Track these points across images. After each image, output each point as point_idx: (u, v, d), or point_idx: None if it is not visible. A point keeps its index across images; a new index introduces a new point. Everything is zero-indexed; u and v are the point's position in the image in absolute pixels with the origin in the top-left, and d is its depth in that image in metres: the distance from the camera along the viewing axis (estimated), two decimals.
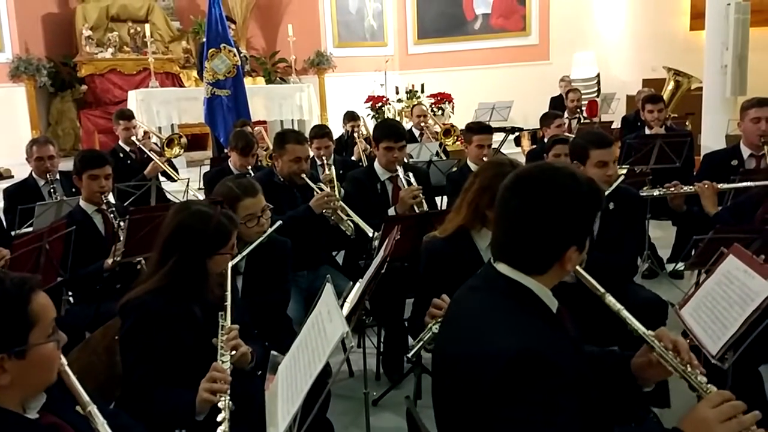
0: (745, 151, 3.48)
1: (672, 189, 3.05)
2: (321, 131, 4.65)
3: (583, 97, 7.70)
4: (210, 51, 6.09)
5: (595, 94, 9.35)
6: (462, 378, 1.27)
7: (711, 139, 6.16)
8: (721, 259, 1.85)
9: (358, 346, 2.91)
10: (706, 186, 2.90)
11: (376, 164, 3.49)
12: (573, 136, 4.99)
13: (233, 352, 1.74)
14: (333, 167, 4.09)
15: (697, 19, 8.46)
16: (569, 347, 1.31)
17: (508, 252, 1.33)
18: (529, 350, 1.19)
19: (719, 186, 2.91)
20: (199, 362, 1.71)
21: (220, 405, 1.57)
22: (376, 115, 9.28)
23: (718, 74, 6.27)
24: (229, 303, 1.85)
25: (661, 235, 4.55)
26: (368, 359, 3.11)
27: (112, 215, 3.08)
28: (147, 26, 8.05)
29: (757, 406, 2.19)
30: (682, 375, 1.32)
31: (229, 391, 1.61)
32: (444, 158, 5.35)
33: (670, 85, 7.32)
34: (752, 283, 1.67)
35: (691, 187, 2.98)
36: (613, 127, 6.80)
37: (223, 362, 1.69)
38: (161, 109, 7.13)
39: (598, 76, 9.83)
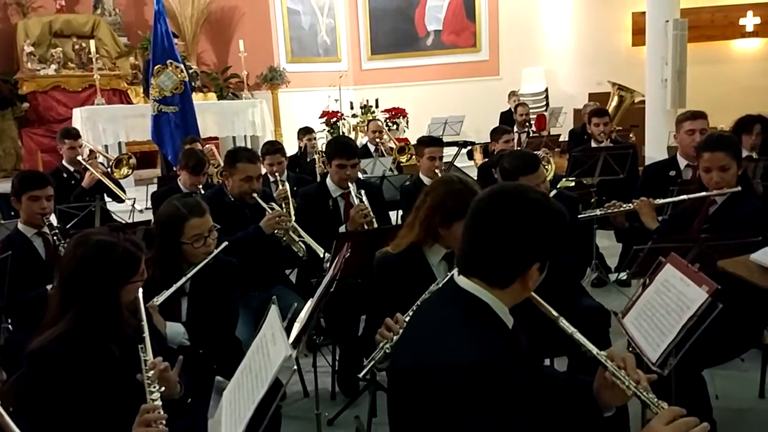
0: (682, 162, 3.63)
1: (612, 208, 3.14)
2: (273, 147, 4.62)
3: (531, 111, 7.92)
4: (156, 67, 5.96)
5: (544, 108, 9.62)
6: (416, 391, 1.28)
7: (654, 150, 6.41)
8: (659, 268, 1.91)
9: (312, 366, 2.86)
10: (644, 203, 2.99)
11: (328, 181, 3.47)
12: (521, 149, 5.12)
13: (162, 388, 1.65)
14: (287, 183, 4.06)
15: (639, 35, 8.85)
16: (522, 363, 1.34)
17: (474, 262, 1.35)
18: (482, 363, 1.20)
19: (656, 201, 3.00)
20: (127, 402, 1.63)
21: None
22: (331, 130, 9.28)
23: (658, 88, 6.56)
24: (147, 334, 1.76)
25: (609, 244, 4.68)
26: (324, 378, 3.08)
27: (54, 238, 2.96)
28: (92, 42, 7.82)
29: (701, 410, 2.28)
30: (635, 392, 1.34)
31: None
32: (397, 173, 5.38)
33: (615, 100, 7.60)
34: (688, 291, 1.73)
35: (629, 204, 3.08)
36: (560, 140, 7.00)
37: (153, 399, 1.60)
38: (108, 127, 6.92)
39: (546, 90, 10.13)
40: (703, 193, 2.68)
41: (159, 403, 1.60)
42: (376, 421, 2.46)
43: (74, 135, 4.88)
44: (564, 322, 1.47)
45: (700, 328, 1.70)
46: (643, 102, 7.05)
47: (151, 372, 1.66)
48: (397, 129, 9.64)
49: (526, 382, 1.27)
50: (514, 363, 1.27)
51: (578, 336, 1.45)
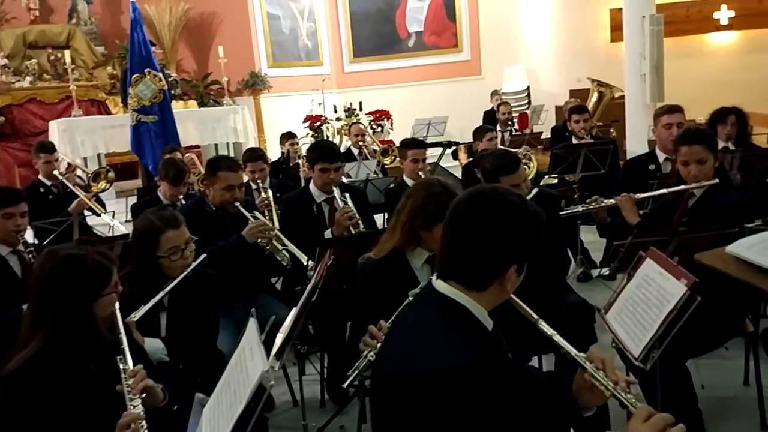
0: (661, 156, 3.66)
1: (594, 204, 3.15)
2: (254, 154, 4.56)
3: (514, 109, 7.95)
4: (134, 76, 5.89)
5: (526, 106, 9.67)
6: (396, 398, 1.27)
7: (635, 144, 6.47)
8: (639, 262, 1.91)
9: (299, 375, 2.83)
10: (625, 198, 3.01)
11: (311, 186, 3.43)
12: (504, 148, 5.14)
13: (143, 395, 1.62)
14: (270, 191, 4.02)
15: (616, 31, 8.94)
16: (502, 366, 1.33)
17: (451, 265, 1.35)
18: (459, 369, 1.20)
19: (636, 196, 3.02)
20: (109, 417, 1.59)
21: None
22: (315, 135, 9.24)
23: (637, 83, 6.62)
24: (125, 345, 1.74)
25: (593, 239, 4.69)
26: (314, 386, 3.05)
27: (30, 255, 2.90)
28: (67, 52, 7.72)
29: (687, 400, 2.29)
30: (612, 393, 1.35)
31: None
32: (381, 176, 5.37)
33: (595, 96, 7.65)
34: (667, 284, 1.73)
35: (611, 200, 3.10)
36: (543, 137, 7.03)
37: (134, 407, 1.57)
38: (86, 139, 6.83)
39: (528, 88, 10.18)
40: (682, 187, 2.70)
41: (140, 409, 1.57)
42: (366, 427, 2.44)
43: (50, 149, 4.78)
44: (543, 325, 1.47)
45: (680, 321, 1.70)
46: (623, 97, 7.11)
47: (131, 380, 1.63)
48: (382, 131, 9.62)
49: (505, 386, 1.26)
50: (493, 367, 1.26)
51: (557, 338, 1.45)
